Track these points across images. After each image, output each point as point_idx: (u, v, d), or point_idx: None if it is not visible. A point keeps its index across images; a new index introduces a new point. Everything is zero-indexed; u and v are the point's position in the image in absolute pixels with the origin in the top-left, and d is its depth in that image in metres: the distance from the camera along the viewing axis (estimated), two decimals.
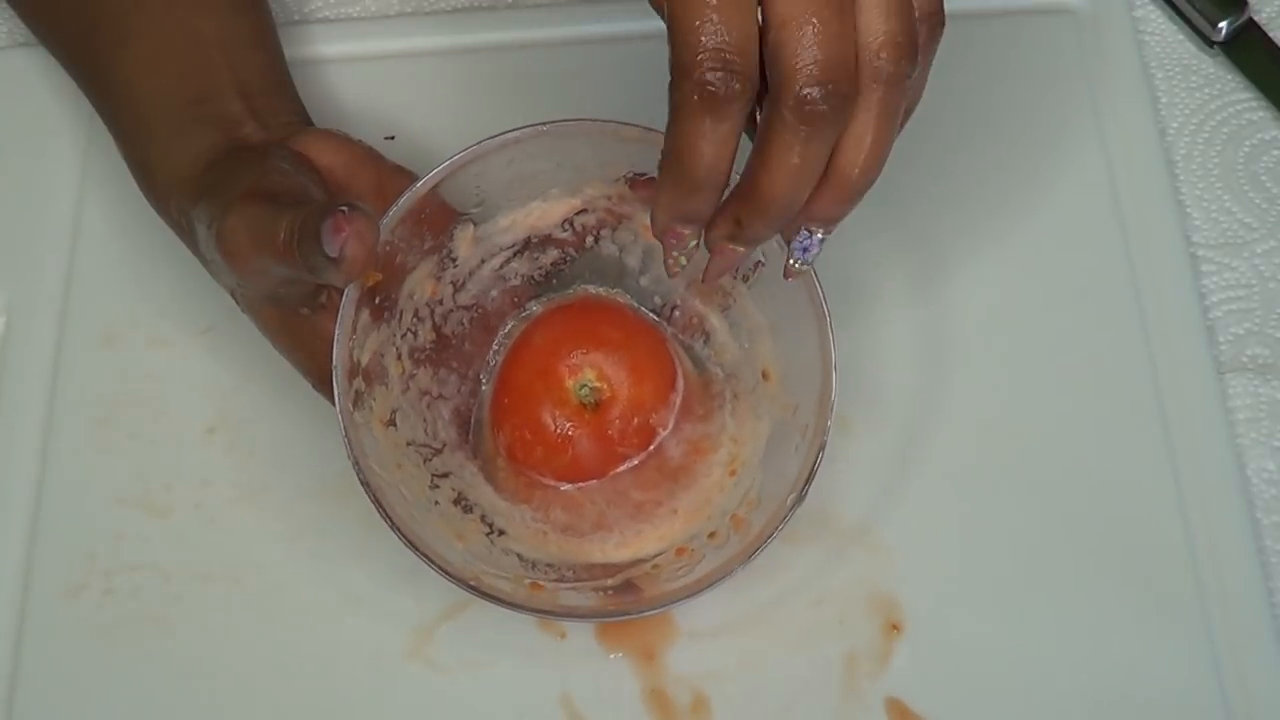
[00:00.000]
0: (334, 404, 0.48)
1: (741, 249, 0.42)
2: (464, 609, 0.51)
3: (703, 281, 0.45)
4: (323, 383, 0.49)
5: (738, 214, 0.41)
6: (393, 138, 0.59)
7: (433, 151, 0.59)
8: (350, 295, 0.47)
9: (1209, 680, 0.50)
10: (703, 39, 0.37)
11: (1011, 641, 0.51)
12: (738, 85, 0.37)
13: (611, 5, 0.62)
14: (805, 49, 0.37)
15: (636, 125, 0.48)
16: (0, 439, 0.55)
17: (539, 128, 0.49)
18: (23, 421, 0.55)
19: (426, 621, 0.51)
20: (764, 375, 0.51)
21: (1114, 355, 0.55)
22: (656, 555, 0.50)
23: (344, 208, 0.44)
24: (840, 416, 0.54)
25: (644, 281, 0.53)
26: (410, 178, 0.51)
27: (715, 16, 0.37)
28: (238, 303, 0.51)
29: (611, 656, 0.51)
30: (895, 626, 0.51)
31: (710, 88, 0.37)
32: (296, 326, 0.49)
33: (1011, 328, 0.56)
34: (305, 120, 0.54)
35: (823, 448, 0.47)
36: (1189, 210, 0.58)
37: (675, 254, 0.43)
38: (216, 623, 0.52)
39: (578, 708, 0.50)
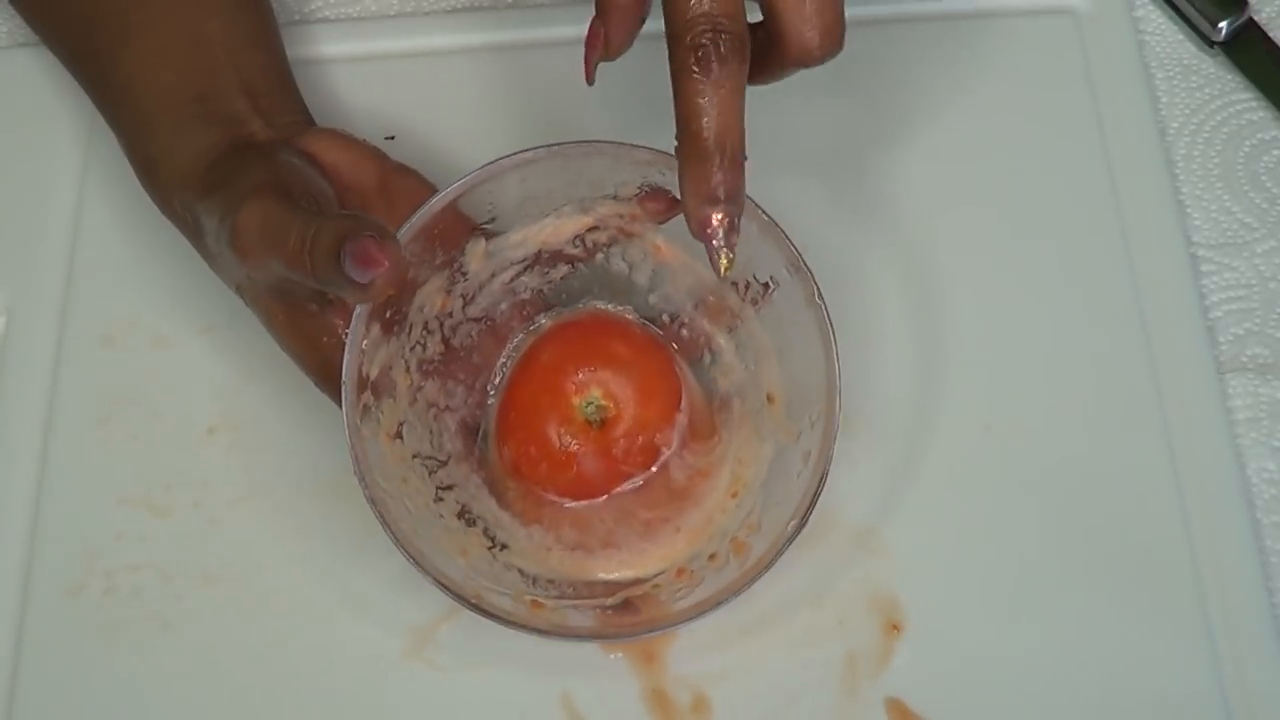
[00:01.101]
0: (336, 402, 0.48)
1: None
2: (464, 610, 0.51)
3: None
4: (326, 381, 0.49)
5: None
6: (393, 138, 0.59)
7: (433, 151, 0.59)
8: (361, 311, 0.47)
9: (1209, 680, 0.50)
10: (691, 4, 0.40)
11: (1011, 641, 0.51)
12: (730, 45, 0.40)
13: None
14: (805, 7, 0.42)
15: (648, 148, 0.48)
16: (0, 439, 0.55)
17: (552, 149, 0.49)
18: (23, 421, 0.55)
19: (427, 621, 0.51)
20: (769, 399, 0.51)
21: (1114, 355, 0.55)
22: (657, 575, 0.50)
23: (371, 233, 0.43)
24: (841, 416, 0.54)
25: (652, 299, 0.53)
26: (414, 176, 0.51)
27: None
28: (243, 297, 0.51)
29: (611, 657, 0.51)
30: (895, 626, 0.51)
31: (703, 50, 0.40)
32: (303, 323, 0.49)
33: (1012, 328, 0.56)
34: (308, 120, 0.54)
35: (825, 475, 0.47)
36: (1189, 210, 0.58)
37: (717, 247, 0.43)
38: (216, 623, 0.52)
39: (578, 708, 0.50)
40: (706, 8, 0.40)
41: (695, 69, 0.40)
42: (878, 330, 0.56)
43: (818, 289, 0.48)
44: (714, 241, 0.43)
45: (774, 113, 0.59)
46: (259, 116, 0.51)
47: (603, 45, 0.46)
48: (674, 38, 0.41)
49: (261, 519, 0.54)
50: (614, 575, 0.50)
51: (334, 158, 0.50)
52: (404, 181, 0.51)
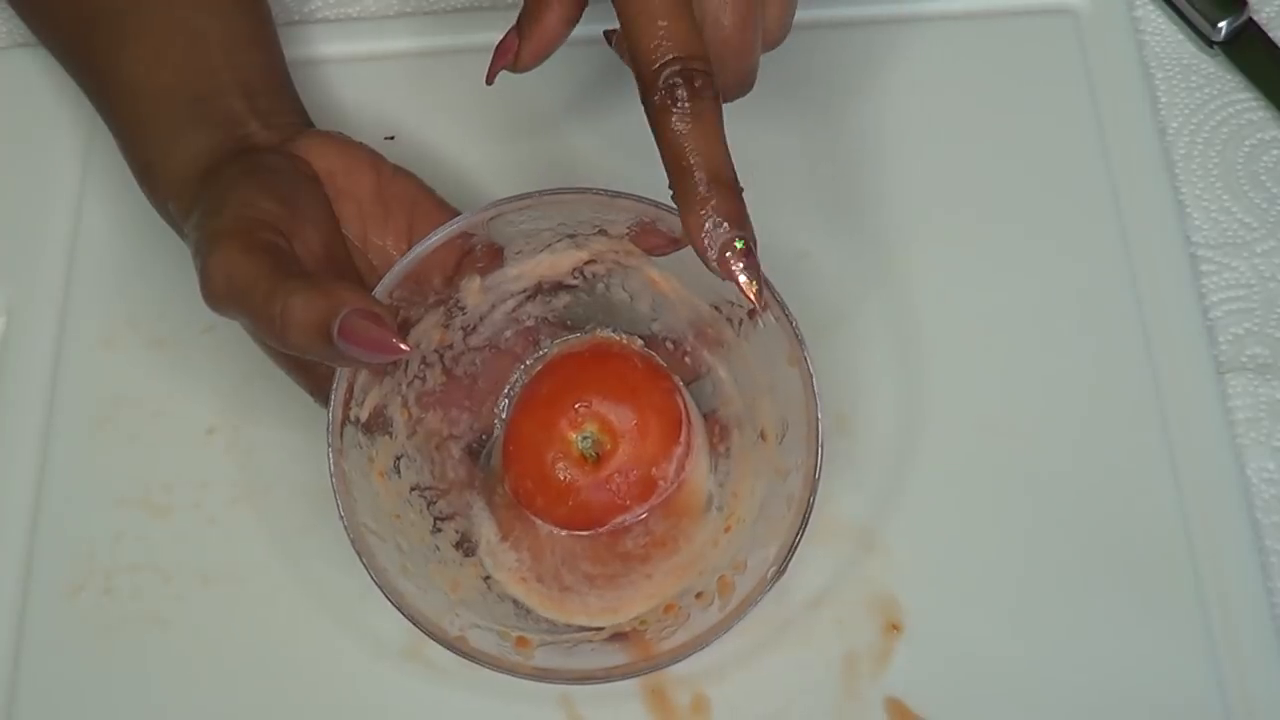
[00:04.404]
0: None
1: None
2: None
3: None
4: (320, 394, 0.49)
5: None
6: (393, 138, 0.59)
7: (432, 151, 0.59)
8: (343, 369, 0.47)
9: (1209, 680, 0.50)
10: (656, 50, 0.41)
11: (1011, 641, 0.51)
12: (699, 81, 0.41)
13: (611, 5, 0.62)
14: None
15: (630, 195, 0.48)
16: (0, 439, 0.55)
17: (529, 200, 0.48)
18: (23, 421, 0.55)
19: None
20: (761, 435, 0.51)
21: (1114, 355, 0.55)
22: (648, 610, 0.50)
23: (357, 309, 0.43)
24: (839, 416, 0.54)
25: (655, 326, 0.53)
26: (412, 180, 0.51)
27: (663, 28, 0.41)
28: None
29: None
30: (895, 626, 0.51)
31: (678, 90, 0.41)
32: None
33: (1011, 327, 0.56)
34: (306, 121, 0.54)
35: (804, 523, 0.47)
36: (1189, 210, 0.58)
37: (743, 280, 0.42)
38: (216, 623, 0.52)
39: (578, 708, 0.50)
40: (671, 51, 0.41)
41: (673, 109, 0.41)
42: (876, 330, 0.56)
43: (801, 342, 0.47)
44: (737, 274, 0.42)
45: (772, 113, 0.59)
46: (256, 117, 0.51)
47: (512, 59, 0.47)
48: (645, 86, 0.41)
49: (261, 519, 0.54)
50: (596, 620, 0.50)
51: (329, 163, 0.50)
52: (402, 187, 0.51)
